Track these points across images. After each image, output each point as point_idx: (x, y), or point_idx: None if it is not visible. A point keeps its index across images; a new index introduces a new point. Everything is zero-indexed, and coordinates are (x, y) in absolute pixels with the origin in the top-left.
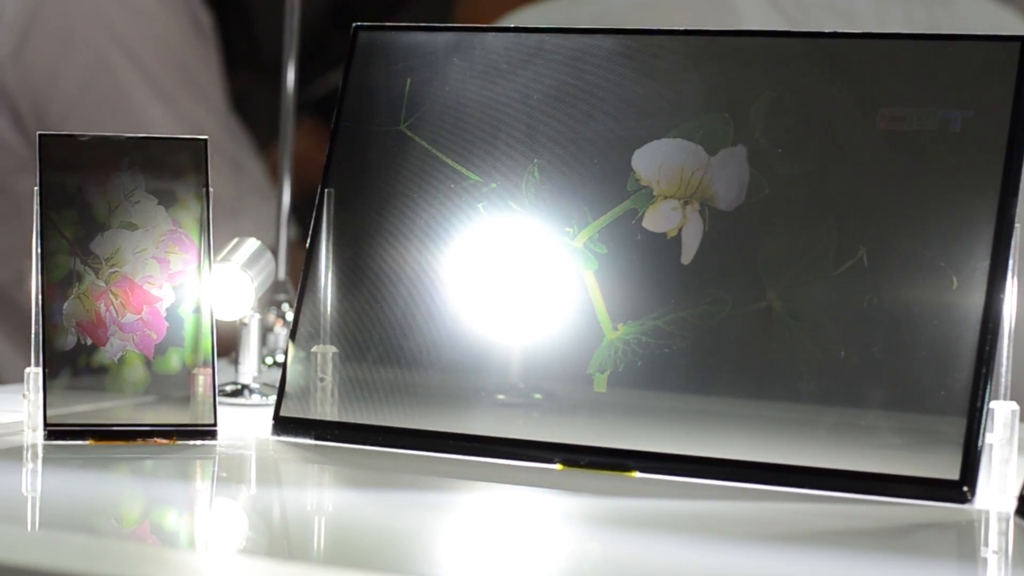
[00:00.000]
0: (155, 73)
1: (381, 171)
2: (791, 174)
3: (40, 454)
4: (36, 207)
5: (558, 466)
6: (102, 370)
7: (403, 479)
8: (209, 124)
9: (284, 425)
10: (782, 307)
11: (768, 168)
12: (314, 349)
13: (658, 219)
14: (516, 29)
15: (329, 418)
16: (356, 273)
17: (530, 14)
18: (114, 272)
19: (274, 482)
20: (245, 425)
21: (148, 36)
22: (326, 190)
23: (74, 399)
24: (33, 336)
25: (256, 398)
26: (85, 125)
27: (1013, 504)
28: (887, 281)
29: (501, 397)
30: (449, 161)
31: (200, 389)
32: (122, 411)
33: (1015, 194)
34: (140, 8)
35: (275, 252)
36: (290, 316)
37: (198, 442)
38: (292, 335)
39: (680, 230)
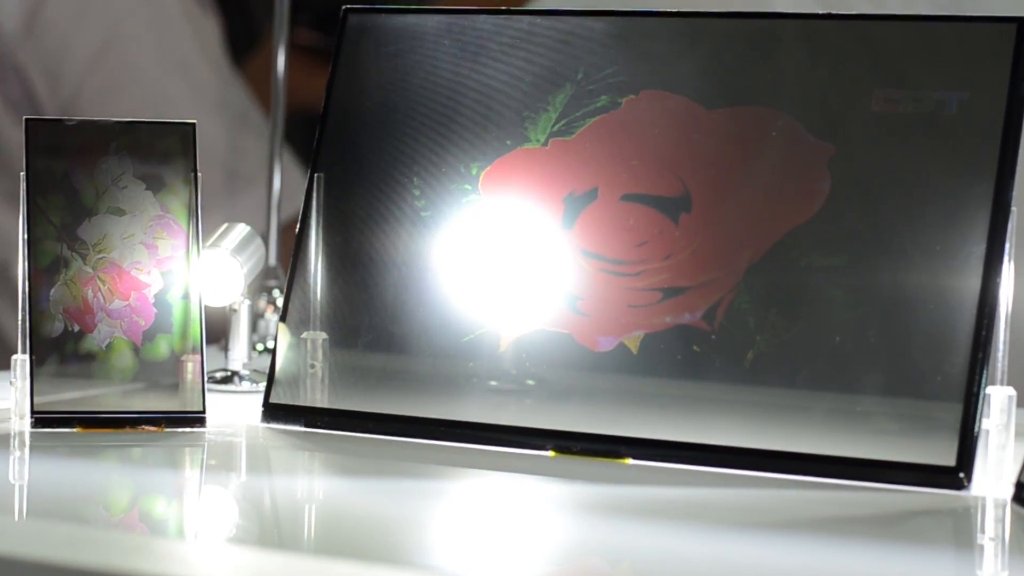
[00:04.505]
0: (168, 42)
1: (371, 155)
2: None
3: (27, 442)
4: (23, 193)
5: (550, 453)
6: (90, 357)
7: (394, 466)
8: (224, 93)
9: (274, 412)
10: (777, 290)
11: None
12: (304, 335)
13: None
14: (507, 11)
15: (319, 405)
16: (346, 258)
17: None
18: (101, 258)
19: (264, 470)
20: (234, 412)
21: (159, 6)
22: (316, 174)
23: (61, 386)
24: (20, 323)
25: (246, 385)
26: (99, 98)
27: (1010, 490)
28: (883, 265)
29: (493, 383)
30: (440, 145)
31: (189, 376)
32: (110, 398)
33: (1011, 177)
34: None
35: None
36: (280, 302)
37: (187, 429)
38: (282, 321)
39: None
